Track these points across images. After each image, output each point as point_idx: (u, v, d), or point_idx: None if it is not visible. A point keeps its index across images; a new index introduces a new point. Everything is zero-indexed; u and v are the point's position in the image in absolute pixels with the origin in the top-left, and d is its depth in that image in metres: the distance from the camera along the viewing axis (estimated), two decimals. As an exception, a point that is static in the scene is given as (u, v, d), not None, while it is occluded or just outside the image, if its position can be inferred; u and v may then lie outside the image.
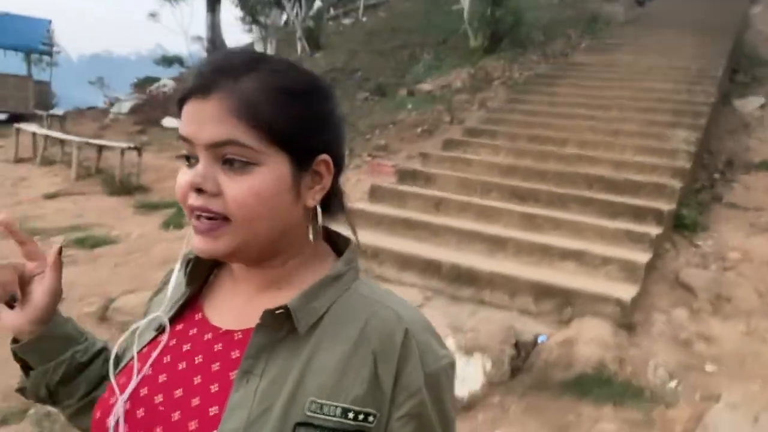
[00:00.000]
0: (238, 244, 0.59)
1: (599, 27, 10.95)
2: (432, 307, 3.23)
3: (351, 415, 0.56)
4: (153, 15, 23.78)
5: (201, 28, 21.91)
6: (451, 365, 0.64)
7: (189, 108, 0.59)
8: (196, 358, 0.62)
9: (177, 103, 0.61)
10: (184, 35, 23.88)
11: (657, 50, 8.00)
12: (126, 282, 3.67)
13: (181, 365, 0.62)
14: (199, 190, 0.57)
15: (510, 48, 10.43)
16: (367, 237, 4.04)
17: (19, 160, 7.91)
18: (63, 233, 4.73)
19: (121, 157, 6.24)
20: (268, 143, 0.58)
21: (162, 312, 0.66)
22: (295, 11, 13.01)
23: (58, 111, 11.65)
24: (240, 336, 0.62)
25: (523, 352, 2.83)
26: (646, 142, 5.13)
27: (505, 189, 4.42)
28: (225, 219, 0.58)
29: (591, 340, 2.81)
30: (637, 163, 4.73)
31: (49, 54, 14.10)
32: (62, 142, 7.59)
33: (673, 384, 2.60)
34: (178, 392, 0.60)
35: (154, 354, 0.63)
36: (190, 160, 0.60)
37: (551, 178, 4.52)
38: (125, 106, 12.83)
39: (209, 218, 0.58)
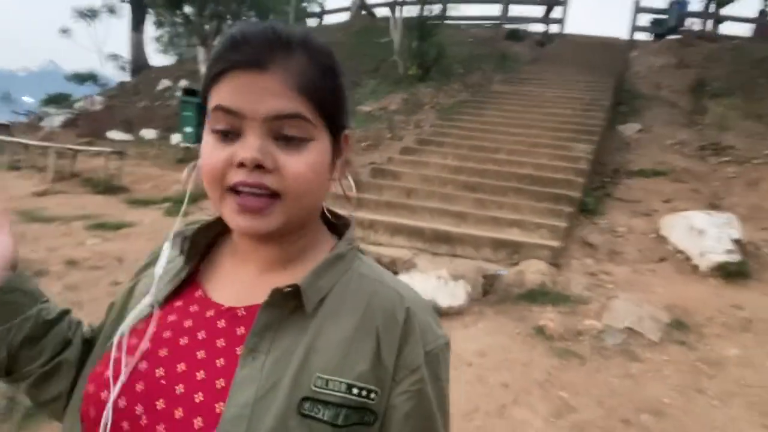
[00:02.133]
0: (287, 221, 0.61)
1: (509, 63, 13.00)
2: (420, 259, 4.50)
3: (355, 390, 0.59)
4: (65, 31, 23.46)
5: (114, 46, 21.95)
6: (447, 345, 0.66)
7: (237, 80, 0.58)
8: (198, 334, 0.63)
9: (213, 75, 0.60)
10: (98, 53, 23.74)
11: (558, 84, 9.99)
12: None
13: (183, 340, 0.63)
14: (258, 166, 0.57)
15: (436, 78, 12.14)
16: (358, 214, 5.26)
17: (-25, 167, 8.20)
18: (78, 220, 5.45)
19: (105, 160, 6.94)
20: (319, 119, 0.60)
21: (155, 289, 0.67)
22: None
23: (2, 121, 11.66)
24: (244, 313, 0.63)
25: (490, 281, 4.17)
26: (556, 151, 6.82)
27: (458, 182, 5.84)
28: (273, 195, 0.59)
29: (534, 271, 4.22)
30: (551, 165, 6.37)
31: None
32: (26, 147, 8.04)
33: (587, 293, 4.06)
34: (181, 366, 0.61)
35: (149, 329, 0.64)
36: (229, 134, 0.59)
37: (491, 176, 6.01)
38: (57, 120, 12.99)
39: (258, 195, 0.58)
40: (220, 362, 0.60)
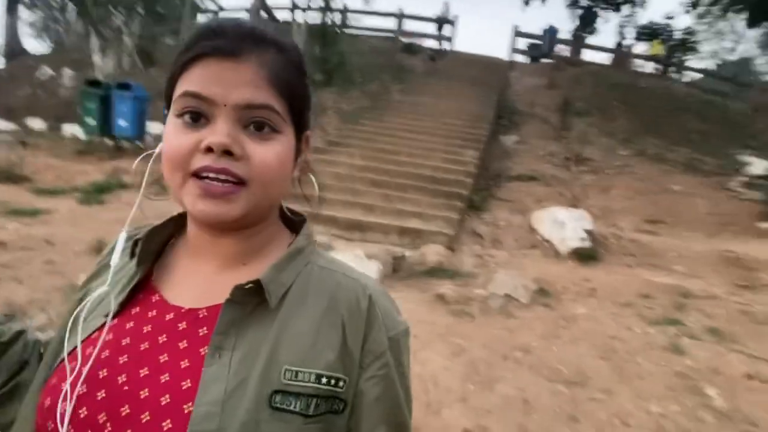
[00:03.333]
0: (251, 209, 0.61)
1: (405, 75, 14.09)
2: (336, 243, 5.18)
3: (324, 380, 0.60)
4: None
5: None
6: (408, 331, 0.69)
7: (210, 67, 0.59)
8: (159, 338, 0.63)
9: (185, 61, 0.61)
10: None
11: (449, 96, 11.18)
12: (98, 230, 4.81)
13: (144, 345, 0.63)
14: (226, 152, 0.58)
15: (337, 84, 12.89)
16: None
17: None
18: (-13, 208, 5.43)
19: (8, 149, 6.81)
20: (287, 113, 0.63)
21: (112, 295, 0.66)
22: (129, 27, 13.66)
23: None
24: (205, 313, 0.64)
25: (397, 261, 4.97)
26: (448, 156, 7.84)
27: (365, 180, 6.61)
28: (239, 183, 0.60)
29: (433, 253, 5.08)
30: (445, 167, 7.36)
31: None
32: None
33: (475, 270, 5.00)
34: (144, 371, 0.60)
35: (102, 336, 0.63)
36: (196, 119, 0.60)
37: (394, 174, 6.86)
38: None
39: (223, 181, 0.59)
40: (184, 363, 0.60)
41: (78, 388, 0.60)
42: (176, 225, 0.72)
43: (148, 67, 13.94)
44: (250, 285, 0.61)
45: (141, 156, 0.71)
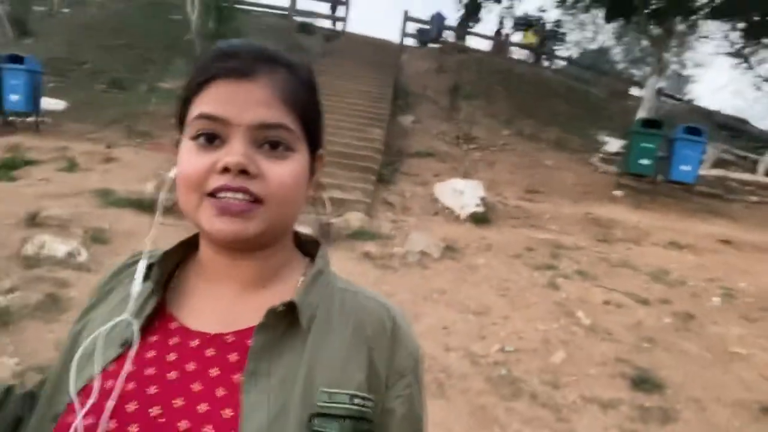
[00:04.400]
0: (268, 227, 0.62)
1: (302, 55, 14.48)
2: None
3: (357, 400, 0.61)
4: None
5: None
6: (422, 352, 0.71)
7: (223, 88, 0.61)
8: (187, 366, 0.62)
9: (199, 83, 0.62)
10: None
11: (349, 77, 11.81)
12: (25, 204, 4.92)
13: (171, 375, 0.62)
14: (242, 172, 0.59)
15: (235, 61, 12.99)
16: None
17: None
18: None
19: None
20: (301, 132, 0.64)
21: (129, 313, 0.65)
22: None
23: None
24: (233, 338, 0.64)
25: (325, 227, 5.63)
26: (357, 134, 8.56)
27: (283, 155, 7.13)
28: (256, 201, 0.60)
29: (355, 219, 5.81)
30: (355, 144, 8.08)
31: None
32: None
33: (392, 232, 5.81)
34: (179, 401, 0.59)
35: (126, 366, 0.61)
36: (211, 140, 0.61)
37: (309, 151, 7.45)
38: None
39: (241, 199, 0.59)
40: (220, 392, 0.59)
41: (104, 425, 0.57)
42: (185, 249, 0.71)
43: (22, 38, 13.03)
44: (283, 308, 0.62)
45: (157, 181, 0.89)
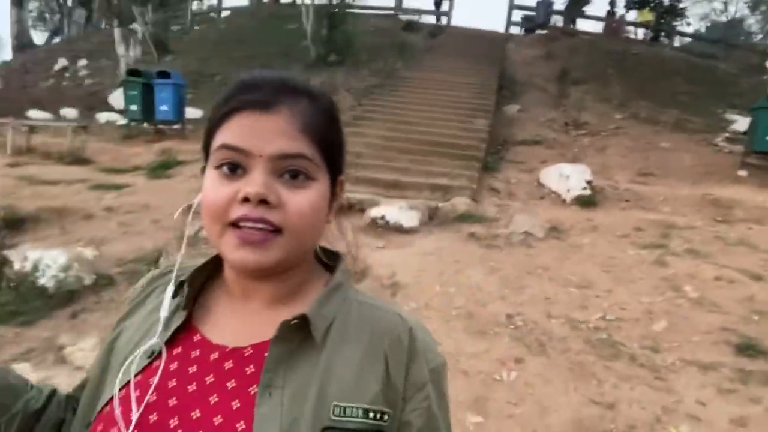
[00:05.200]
0: (286, 256, 0.64)
1: (408, 52, 15.06)
2: (380, 199, 6.31)
3: (371, 414, 0.63)
4: None
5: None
6: (445, 362, 0.72)
7: (245, 120, 0.64)
8: (206, 379, 0.65)
9: (222, 114, 0.65)
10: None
11: (454, 70, 12.20)
12: (181, 197, 5.90)
13: (191, 387, 0.65)
14: (262, 202, 0.62)
15: (345, 63, 13.86)
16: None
17: None
18: (78, 183, 6.51)
19: (71, 133, 7.85)
20: (321, 161, 0.67)
21: (158, 336, 0.69)
22: (144, 17, 14.54)
23: None
24: (250, 352, 0.66)
25: (433, 211, 6.11)
26: (462, 125, 8.94)
27: (393, 148, 7.72)
28: (275, 231, 0.63)
29: (461, 204, 6.23)
30: (460, 135, 8.47)
31: None
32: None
33: (497, 215, 6.15)
34: (196, 413, 0.62)
35: (155, 379, 0.65)
36: (233, 170, 0.64)
37: (417, 143, 7.96)
38: (-46, 100, 12.84)
39: (260, 229, 0.62)
40: (235, 404, 0.62)
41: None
42: (214, 266, 0.74)
43: (163, 56, 14.88)
44: (296, 321, 0.64)
45: (181, 208, 0.76)
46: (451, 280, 4.57)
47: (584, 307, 4.21)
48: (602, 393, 3.17)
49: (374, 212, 5.77)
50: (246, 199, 0.62)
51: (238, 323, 0.70)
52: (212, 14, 20.71)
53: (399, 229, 5.62)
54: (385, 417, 0.64)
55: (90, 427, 0.66)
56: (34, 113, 11.49)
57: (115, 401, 0.64)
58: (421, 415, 0.67)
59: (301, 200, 0.64)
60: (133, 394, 0.64)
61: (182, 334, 0.70)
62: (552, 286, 4.56)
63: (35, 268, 3.53)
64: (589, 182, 7.06)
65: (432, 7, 18.53)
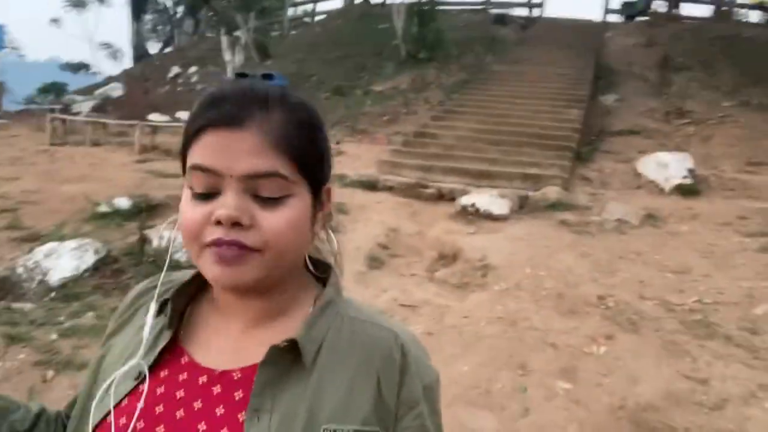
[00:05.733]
0: (266, 274, 0.63)
1: (499, 46, 15.03)
2: (471, 189, 6.51)
3: None
4: (55, 21, 24.59)
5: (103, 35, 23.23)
6: (438, 378, 0.71)
7: (214, 138, 0.61)
8: (194, 404, 0.64)
9: (191, 132, 0.63)
10: (88, 41, 24.95)
11: (546, 62, 12.07)
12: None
13: (179, 413, 0.64)
14: (236, 224, 0.60)
15: (436, 59, 14.09)
16: (416, 161, 7.26)
17: (53, 144, 9.87)
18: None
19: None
20: (298, 174, 0.63)
21: (141, 359, 0.67)
22: (247, 24, 15.60)
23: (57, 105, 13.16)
24: (239, 375, 0.65)
25: (523, 200, 6.23)
26: (554, 116, 8.91)
27: (483, 139, 7.88)
28: (253, 250, 0.61)
29: (552, 192, 6.30)
30: (552, 125, 8.46)
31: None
32: (105, 125, 9.75)
33: (589, 203, 6.16)
34: None
35: (139, 405, 0.64)
36: (208, 191, 0.61)
37: (508, 134, 8.07)
38: (86, 106, 14.52)
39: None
40: None
41: None
42: (199, 282, 0.72)
43: (264, 60, 15.89)
44: (285, 344, 0.63)
45: (165, 223, 0.76)
46: (542, 263, 4.71)
47: (680, 290, 4.21)
48: (695, 369, 3.22)
49: (464, 200, 6.00)
50: (219, 222, 0.60)
51: (226, 344, 0.69)
52: (306, 19, 21.73)
53: (489, 217, 5.81)
54: None
55: None
56: (153, 116, 12.73)
57: (93, 427, 0.65)
58: None
59: (277, 220, 0.61)
60: (113, 423, 0.63)
61: (169, 354, 0.69)
62: (646, 270, 4.57)
63: (169, 244, 4.09)
64: (690, 171, 6.85)
65: (524, 0, 18.31)
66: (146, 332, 0.69)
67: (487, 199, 5.93)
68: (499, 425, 2.80)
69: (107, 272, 4.25)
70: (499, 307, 4.01)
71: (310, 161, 0.65)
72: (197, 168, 0.61)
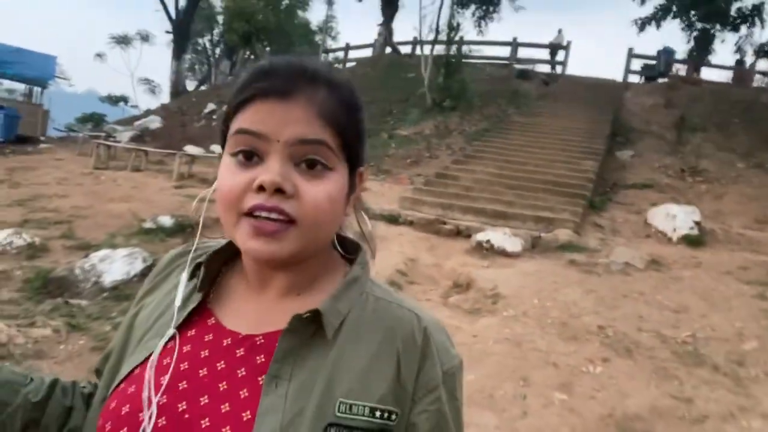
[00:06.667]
0: (301, 248, 0.64)
1: (521, 99, 15.71)
2: (487, 227, 6.96)
3: (378, 413, 0.63)
4: (100, 56, 26.09)
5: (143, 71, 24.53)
6: (461, 364, 0.71)
7: (263, 106, 0.63)
8: (218, 365, 0.66)
9: (239, 101, 0.64)
10: (130, 76, 26.37)
11: (565, 116, 12.68)
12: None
13: (203, 372, 0.66)
14: (278, 191, 0.61)
15: (460, 108, 14.79)
16: (437, 199, 7.76)
17: (99, 168, 10.61)
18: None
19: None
20: (340, 150, 0.65)
21: (172, 323, 0.70)
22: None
23: (100, 133, 14.08)
24: (262, 340, 0.67)
25: (535, 239, 6.65)
26: (570, 165, 9.40)
27: (501, 183, 8.39)
28: (290, 222, 0.62)
29: (563, 235, 6.72)
30: (568, 174, 8.94)
31: (43, 86, 16.41)
32: (146, 153, 10.49)
33: (599, 247, 6.56)
34: (204, 399, 0.63)
35: (170, 362, 0.66)
36: (249, 157, 0.63)
37: (524, 180, 8.57)
38: (125, 136, 15.43)
39: (274, 219, 0.62)
40: (243, 393, 0.63)
41: (147, 416, 0.62)
42: (233, 249, 0.74)
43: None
44: (308, 314, 0.64)
45: (198, 197, 0.80)
46: (549, 296, 5.10)
47: (676, 326, 4.56)
48: (681, 391, 3.56)
49: (480, 236, 6.44)
50: (261, 188, 0.61)
51: (252, 310, 0.71)
52: (338, 65, 22.83)
53: (502, 253, 6.24)
54: (393, 416, 0.64)
55: (105, 401, 0.69)
56: (188, 148, 13.50)
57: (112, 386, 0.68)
58: (429, 418, 0.66)
59: (318, 191, 0.63)
60: (151, 376, 0.65)
61: (197, 316, 0.71)
62: (646, 307, 4.93)
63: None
64: (697, 222, 7.23)
65: (547, 57, 19.14)
66: (178, 299, 0.72)
67: (501, 237, 6.37)
68: (500, 424, 3.17)
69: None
70: (506, 330, 4.40)
71: (352, 138, 0.67)
72: (243, 132, 0.63)
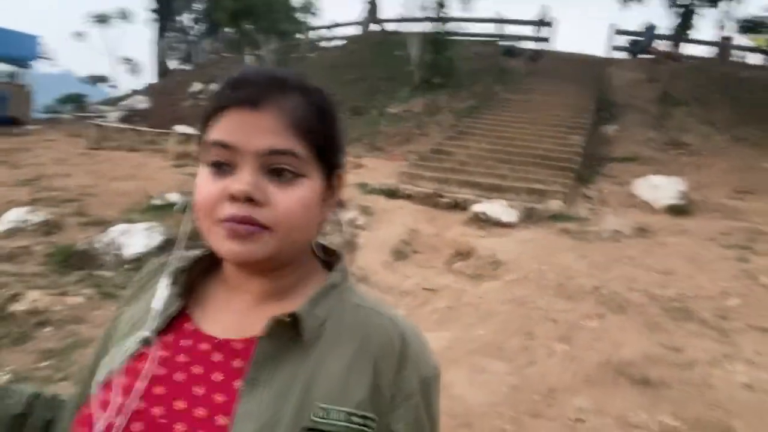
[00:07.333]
0: (278, 250, 0.65)
1: (508, 76, 15.95)
2: (482, 200, 7.27)
3: (355, 419, 0.63)
4: (79, 35, 25.70)
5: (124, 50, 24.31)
6: (439, 373, 0.72)
7: (234, 116, 0.65)
8: (193, 369, 0.67)
9: (212, 111, 0.67)
10: (109, 56, 26.05)
11: (552, 93, 12.97)
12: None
13: (179, 376, 0.66)
14: (249, 200, 0.63)
15: (448, 86, 14.99)
16: (433, 173, 8.04)
17: (93, 148, 10.68)
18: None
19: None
20: (312, 157, 0.67)
21: (148, 326, 0.70)
22: (271, 46, 16.57)
23: (92, 113, 14.03)
24: (240, 345, 0.68)
25: (529, 210, 6.98)
26: (558, 140, 9.73)
27: (493, 158, 8.68)
28: (264, 227, 0.64)
29: (555, 205, 7.06)
30: (556, 149, 9.27)
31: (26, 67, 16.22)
32: (138, 133, 10.57)
33: (589, 216, 6.92)
34: (180, 404, 0.64)
35: (147, 366, 0.66)
36: (222, 167, 0.65)
37: (515, 155, 8.87)
38: (113, 116, 15.40)
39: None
40: (219, 398, 0.63)
41: (117, 421, 0.62)
42: (213, 257, 0.74)
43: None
44: (287, 318, 0.65)
45: (177, 206, 1.16)
46: (545, 261, 5.44)
47: (664, 286, 4.93)
48: (671, 341, 3.93)
49: (476, 208, 6.75)
50: (234, 197, 0.63)
51: (231, 316, 0.72)
52: (323, 43, 22.80)
53: (498, 223, 6.56)
54: (370, 423, 0.64)
55: (81, 408, 0.69)
56: (179, 127, 13.56)
57: (98, 388, 0.67)
58: (408, 425, 0.67)
59: (290, 198, 0.65)
60: (121, 382, 0.66)
61: (176, 322, 0.72)
62: (636, 270, 5.30)
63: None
64: (681, 192, 7.61)
65: (532, 34, 19.33)
66: (156, 301, 0.73)
67: (497, 208, 6.68)
68: (510, 370, 3.50)
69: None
70: (508, 292, 4.73)
71: (324, 145, 0.69)
72: (217, 144, 0.65)
